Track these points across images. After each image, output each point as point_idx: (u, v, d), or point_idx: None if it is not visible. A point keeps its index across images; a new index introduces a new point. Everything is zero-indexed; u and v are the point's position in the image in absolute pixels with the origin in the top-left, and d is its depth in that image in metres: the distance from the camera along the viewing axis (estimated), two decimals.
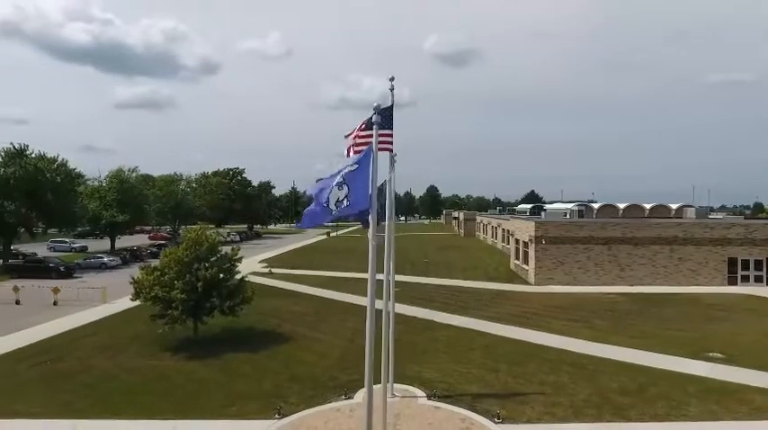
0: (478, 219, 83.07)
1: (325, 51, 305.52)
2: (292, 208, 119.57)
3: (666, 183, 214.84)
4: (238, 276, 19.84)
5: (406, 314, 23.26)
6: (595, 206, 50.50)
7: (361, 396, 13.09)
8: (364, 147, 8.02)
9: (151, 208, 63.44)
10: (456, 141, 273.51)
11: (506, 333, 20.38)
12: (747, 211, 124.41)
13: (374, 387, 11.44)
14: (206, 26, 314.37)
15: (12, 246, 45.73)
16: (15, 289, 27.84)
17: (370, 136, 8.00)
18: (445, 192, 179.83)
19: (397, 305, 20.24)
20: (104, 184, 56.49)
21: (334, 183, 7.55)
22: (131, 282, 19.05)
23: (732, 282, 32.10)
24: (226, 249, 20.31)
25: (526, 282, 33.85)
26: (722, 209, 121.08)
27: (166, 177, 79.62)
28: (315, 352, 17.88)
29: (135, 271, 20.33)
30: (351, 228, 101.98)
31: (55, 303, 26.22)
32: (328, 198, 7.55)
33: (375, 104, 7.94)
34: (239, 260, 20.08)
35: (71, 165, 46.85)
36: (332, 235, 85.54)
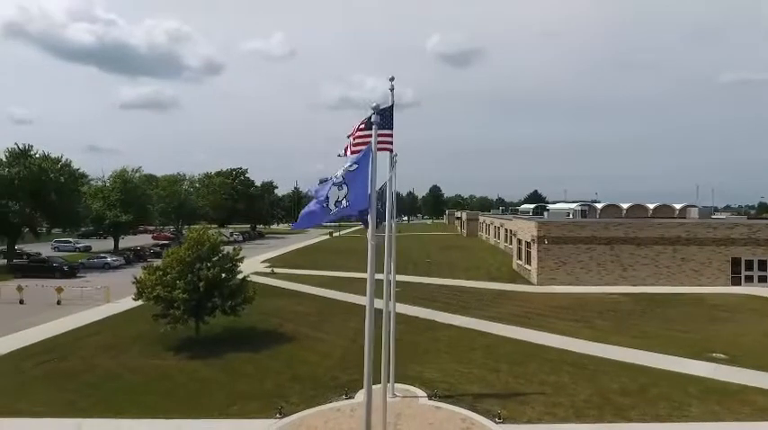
0: (481, 219, 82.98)
1: (328, 51, 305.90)
2: (295, 208, 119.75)
3: (670, 184, 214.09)
4: (240, 276, 19.89)
5: (409, 314, 23.28)
6: (599, 206, 50.40)
7: (361, 396, 13.10)
8: (363, 147, 8.03)
9: (154, 208, 63.71)
10: (459, 141, 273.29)
11: (508, 333, 20.37)
12: (752, 211, 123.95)
13: (374, 387, 11.49)
14: (209, 27, 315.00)
15: (16, 245, 46.00)
16: (19, 288, 28.00)
17: (370, 136, 8.02)
18: (448, 192, 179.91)
19: (399, 305, 20.23)
20: (108, 184, 56.74)
21: (334, 182, 7.57)
22: (134, 282, 19.14)
23: (736, 282, 31.97)
24: (227, 249, 20.37)
25: (528, 283, 33.81)
26: (726, 209, 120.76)
27: (170, 177, 79.94)
28: (317, 352, 17.92)
29: (138, 271, 20.41)
30: (353, 228, 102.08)
31: (58, 303, 26.36)
32: (327, 198, 7.57)
33: (374, 104, 7.96)
34: (241, 260, 20.12)
35: (75, 165, 47.28)
36: (334, 235, 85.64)
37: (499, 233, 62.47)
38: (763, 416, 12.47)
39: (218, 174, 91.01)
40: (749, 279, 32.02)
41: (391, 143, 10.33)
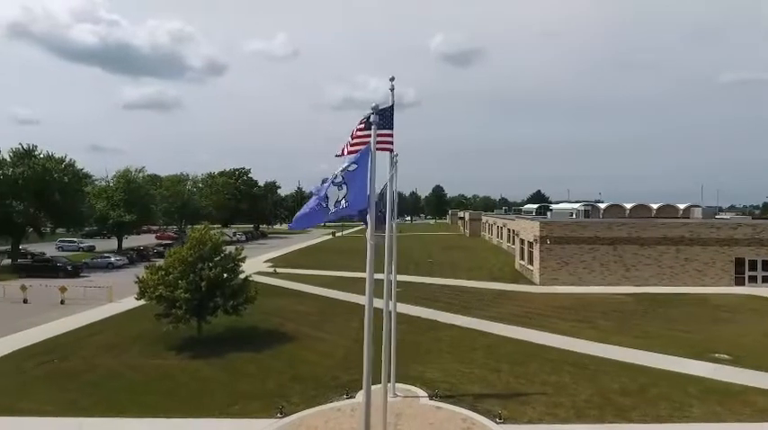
0: (484, 219, 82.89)
1: (331, 52, 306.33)
2: (298, 208, 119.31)
3: (675, 183, 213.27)
4: (242, 276, 19.94)
5: (410, 314, 23.29)
6: (602, 206, 50.27)
7: (362, 396, 13.13)
8: (361, 147, 8.04)
9: (158, 208, 63.89)
10: (462, 141, 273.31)
11: (509, 333, 20.34)
12: (756, 211, 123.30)
13: (374, 387, 11.49)
14: (212, 27, 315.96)
15: (21, 245, 46.24)
16: (23, 288, 28.16)
17: (369, 136, 8.02)
18: (451, 192, 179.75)
19: (401, 305, 20.25)
20: (112, 184, 56.96)
21: (334, 182, 7.58)
22: (136, 282, 19.21)
23: (739, 282, 31.83)
24: (230, 249, 20.42)
25: (531, 283, 33.75)
26: (731, 209, 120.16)
27: (173, 177, 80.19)
28: (318, 351, 17.94)
29: (141, 270, 20.48)
30: (356, 228, 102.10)
31: (62, 302, 26.48)
32: (327, 198, 7.58)
33: (373, 104, 7.98)
34: (243, 260, 20.17)
35: (78, 165, 47.45)
36: (337, 235, 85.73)
37: (502, 233, 62.39)
38: (765, 417, 12.41)
39: (222, 174, 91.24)
40: (753, 279, 31.88)
41: (392, 143, 10.33)
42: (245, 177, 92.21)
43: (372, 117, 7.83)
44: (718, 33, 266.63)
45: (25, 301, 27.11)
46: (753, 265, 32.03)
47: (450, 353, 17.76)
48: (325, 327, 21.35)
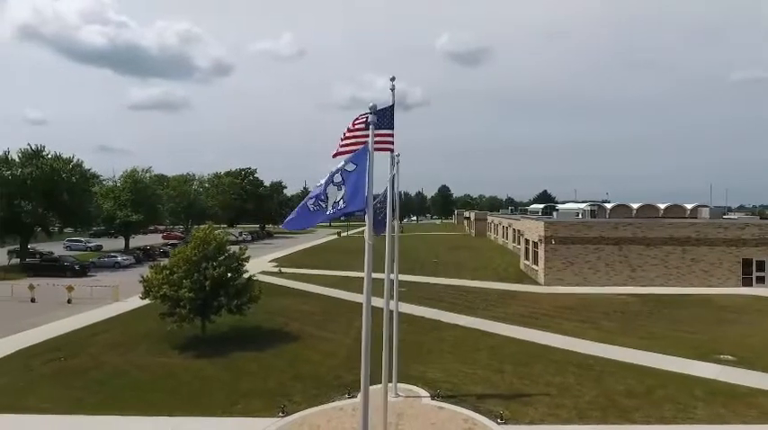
0: (489, 218, 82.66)
1: (337, 51, 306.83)
2: None
3: (683, 183, 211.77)
4: (246, 275, 20.03)
5: (414, 314, 23.29)
6: (608, 206, 49.91)
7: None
8: (358, 147, 8.04)
9: (164, 208, 64.25)
10: (469, 140, 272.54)
11: (513, 333, 20.29)
12: (766, 211, 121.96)
13: (375, 387, 11.49)
14: (220, 28, 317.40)
15: (29, 244, 46.68)
16: (31, 287, 28.43)
17: (367, 136, 8.02)
18: (457, 192, 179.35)
19: (404, 305, 20.26)
20: (119, 184, 57.35)
21: (334, 182, 7.59)
22: (141, 281, 19.35)
23: (747, 283, 31.54)
24: (233, 248, 20.51)
25: (536, 283, 33.63)
26: (740, 209, 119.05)
27: (180, 177, 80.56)
28: (321, 351, 17.98)
29: (148, 270, 20.63)
30: (361, 229, 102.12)
31: (69, 301, 26.72)
32: (326, 198, 7.60)
33: (371, 104, 7.98)
34: (247, 259, 20.25)
35: (87, 165, 47.89)
36: (342, 235, 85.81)
37: (507, 233, 62.19)
38: None
39: (228, 174, 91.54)
40: (761, 280, 31.57)
41: (392, 143, 10.34)
42: (251, 177, 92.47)
43: (370, 117, 7.83)
44: (727, 31, 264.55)
45: (33, 300, 27.38)
46: (760, 266, 31.72)
47: (453, 353, 17.74)
48: (328, 327, 21.39)
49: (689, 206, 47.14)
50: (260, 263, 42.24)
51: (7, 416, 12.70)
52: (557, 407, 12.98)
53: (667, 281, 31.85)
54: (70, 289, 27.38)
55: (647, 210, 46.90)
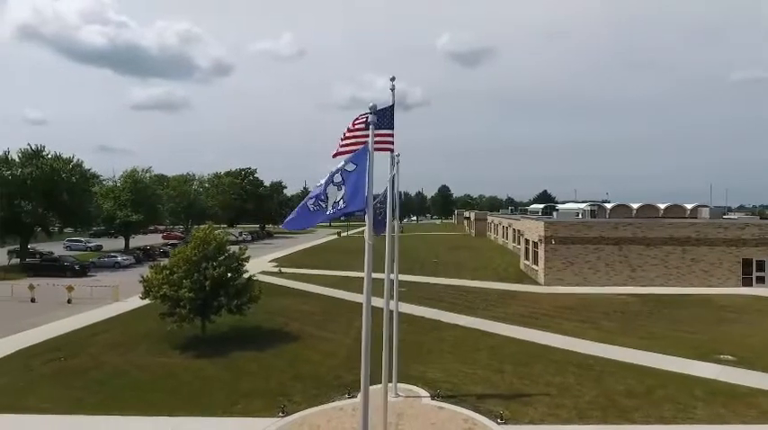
0: (489, 218, 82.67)
1: (337, 51, 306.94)
2: None
3: (684, 183, 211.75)
4: (246, 275, 20.03)
5: (414, 314, 23.30)
6: (608, 206, 49.92)
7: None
8: (358, 147, 8.04)
9: (164, 208, 64.24)
10: (469, 140, 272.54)
11: (513, 333, 20.29)
12: (766, 211, 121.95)
13: (375, 387, 11.49)
14: (220, 28, 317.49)
15: (29, 244, 46.67)
16: (31, 287, 28.43)
17: (367, 136, 8.02)
18: (457, 192, 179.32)
19: (404, 305, 20.23)
20: (119, 184, 57.37)
21: (333, 182, 7.59)
22: (141, 281, 19.36)
23: (747, 283, 31.54)
24: (233, 248, 20.52)
25: (536, 283, 33.63)
26: (741, 209, 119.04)
27: (180, 177, 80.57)
28: (321, 351, 17.98)
29: (148, 269, 20.63)
30: (361, 229, 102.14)
31: (69, 301, 26.72)
32: (326, 198, 7.60)
33: (370, 104, 7.98)
34: (246, 259, 20.26)
35: (87, 165, 47.89)
36: (343, 235, 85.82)
37: (507, 233, 62.20)
38: None
39: (228, 174, 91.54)
40: (761, 280, 31.57)
41: (392, 143, 10.34)
42: (251, 177, 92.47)
43: (370, 117, 7.83)
44: (727, 31, 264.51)
45: (33, 300, 27.37)
46: (760, 266, 31.72)
47: (453, 353, 17.75)
48: (329, 327, 21.39)
49: (689, 206, 47.14)
50: (260, 263, 42.24)
51: (7, 416, 12.71)
52: (557, 407, 12.98)
53: (667, 281, 31.85)
54: (70, 289, 27.38)
55: (648, 210, 46.89)
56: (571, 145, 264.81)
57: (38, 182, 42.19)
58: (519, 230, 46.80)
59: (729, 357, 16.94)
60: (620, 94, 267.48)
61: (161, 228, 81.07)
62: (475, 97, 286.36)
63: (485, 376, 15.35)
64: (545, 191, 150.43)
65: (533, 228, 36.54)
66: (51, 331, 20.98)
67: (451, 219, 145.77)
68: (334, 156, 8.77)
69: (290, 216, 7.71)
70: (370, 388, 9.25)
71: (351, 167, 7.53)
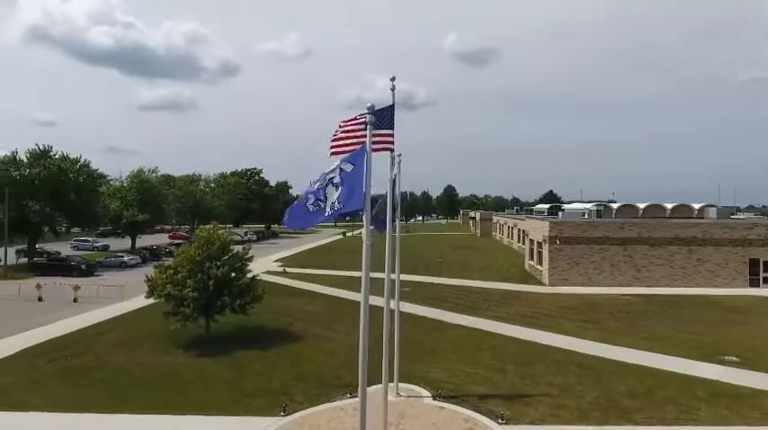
0: (494, 218, 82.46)
1: (343, 52, 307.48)
2: None
3: (691, 183, 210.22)
4: (250, 275, 20.12)
5: (417, 314, 23.30)
6: (614, 206, 49.69)
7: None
8: (356, 147, 8.06)
9: (170, 207, 64.63)
10: (475, 140, 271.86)
11: (516, 334, 20.25)
12: None
13: (375, 387, 11.53)
14: (226, 28, 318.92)
15: (36, 244, 47.12)
16: (38, 286, 28.71)
17: (365, 136, 8.04)
18: (463, 192, 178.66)
19: (407, 305, 20.25)
20: (125, 185, 57.78)
21: (333, 182, 7.62)
22: (145, 281, 19.50)
23: (754, 283, 31.28)
24: (237, 248, 20.62)
25: (540, 283, 33.53)
26: (749, 209, 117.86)
27: (186, 177, 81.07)
28: (325, 351, 18.04)
29: (152, 269, 20.78)
30: None
31: (75, 300, 26.97)
32: (325, 198, 7.63)
33: (369, 104, 8.01)
34: (250, 259, 20.35)
35: (94, 165, 48.36)
36: (348, 235, 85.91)
37: (512, 233, 62.04)
38: None
39: (234, 174, 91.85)
40: None
41: (392, 143, 10.36)
42: (256, 177, 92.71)
43: (368, 117, 7.86)
44: (735, 31, 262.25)
45: (40, 299, 27.65)
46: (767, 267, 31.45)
47: (455, 353, 17.74)
48: (333, 327, 21.44)
49: (696, 206, 46.80)
50: (265, 262, 42.38)
51: (13, 414, 12.86)
52: (558, 407, 12.96)
53: (673, 281, 31.66)
54: (76, 288, 27.64)
55: (654, 210, 46.63)
56: (576, 145, 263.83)
57: (45, 182, 42.60)
58: (524, 230, 46.66)
59: (733, 358, 16.82)
60: (625, 93, 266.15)
61: (167, 227, 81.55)
62: (481, 97, 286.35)
63: (487, 376, 15.34)
64: (551, 191, 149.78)
65: (538, 228, 36.43)
66: (57, 330, 21.18)
67: (457, 219, 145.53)
68: (332, 155, 8.81)
69: (287, 214, 7.75)
70: (372, 388, 9.29)
71: (349, 168, 7.56)
